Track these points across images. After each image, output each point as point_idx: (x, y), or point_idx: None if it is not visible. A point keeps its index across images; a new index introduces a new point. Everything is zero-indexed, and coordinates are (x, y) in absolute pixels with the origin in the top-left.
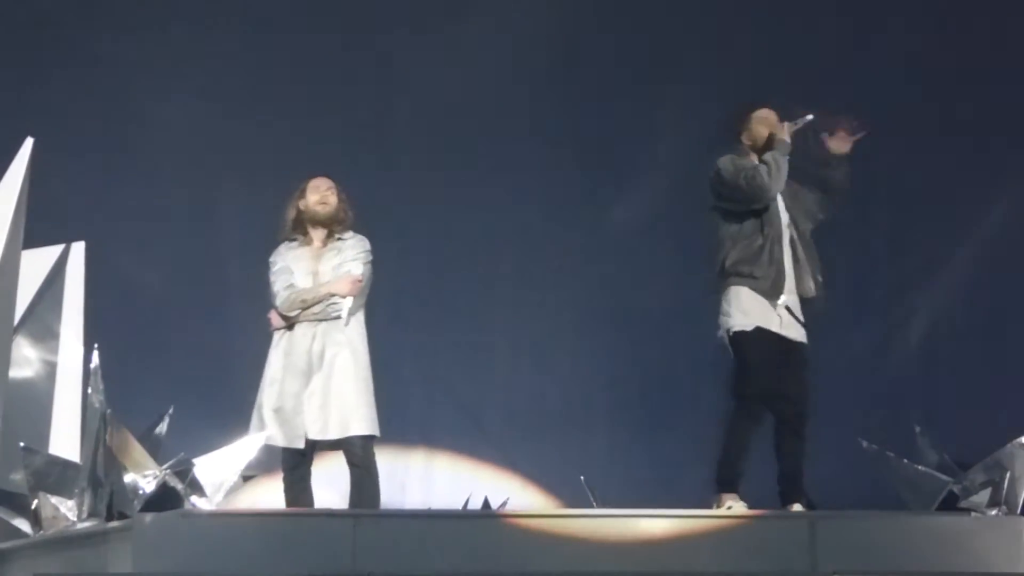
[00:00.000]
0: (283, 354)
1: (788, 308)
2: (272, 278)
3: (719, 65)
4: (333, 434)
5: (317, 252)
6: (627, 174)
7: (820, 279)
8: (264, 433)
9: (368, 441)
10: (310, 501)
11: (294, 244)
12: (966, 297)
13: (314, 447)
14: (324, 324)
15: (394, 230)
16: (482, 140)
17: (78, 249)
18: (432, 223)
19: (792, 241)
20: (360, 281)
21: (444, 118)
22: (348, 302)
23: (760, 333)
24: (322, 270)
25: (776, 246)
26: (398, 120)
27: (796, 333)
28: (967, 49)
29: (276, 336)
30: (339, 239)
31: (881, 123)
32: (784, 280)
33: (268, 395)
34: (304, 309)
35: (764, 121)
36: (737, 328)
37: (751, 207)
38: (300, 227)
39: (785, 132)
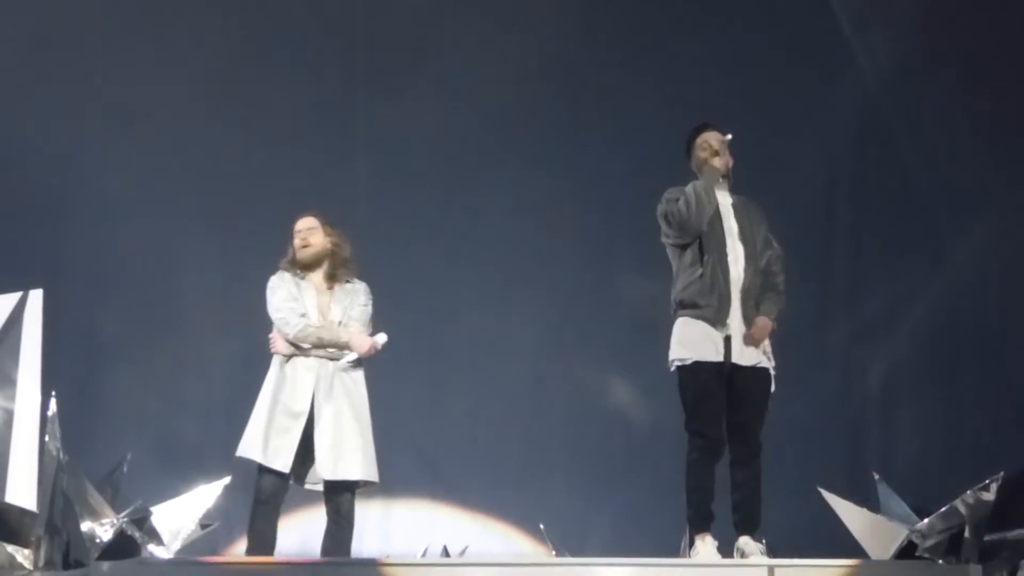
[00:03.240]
0: (285, 381)
1: (728, 337)
2: (276, 302)
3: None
4: (346, 475)
5: (323, 288)
6: (591, 208)
7: (775, 299)
8: (222, 481)
9: (354, 494)
10: (273, 535)
11: (297, 275)
12: (926, 343)
13: (287, 486)
14: (331, 364)
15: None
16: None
17: (35, 297)
18: (390, 267)
19: (748, 265)
20: (380, 349)
21: (413, 160)
22: (354, 355)
23: (699, 366)
24: (334, 310)
25: (719, 273)
26: (363, 162)
27: (750, 359)
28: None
29: (277, 360)
30: (348, 282)
31: (844, 167)
32: (728, 307)
33: (269, 416)
34: (317, 347)
35: (703, 146)
36: (677, 361)
37: (681, 240)
38: (296, 265)
39: (718, 159)
